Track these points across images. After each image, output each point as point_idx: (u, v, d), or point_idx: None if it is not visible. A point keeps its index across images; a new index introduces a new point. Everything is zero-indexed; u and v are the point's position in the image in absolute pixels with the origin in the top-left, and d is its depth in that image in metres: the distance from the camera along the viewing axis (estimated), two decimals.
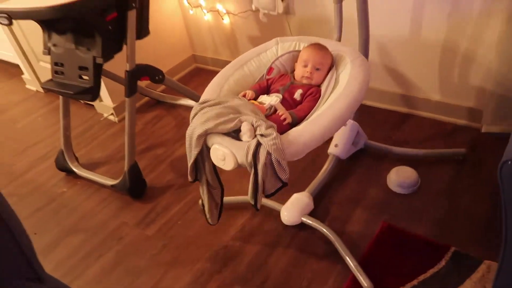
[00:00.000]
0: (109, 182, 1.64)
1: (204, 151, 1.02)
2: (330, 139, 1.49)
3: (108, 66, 1.53)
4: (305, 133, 0.95)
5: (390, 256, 1.19)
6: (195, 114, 1.03)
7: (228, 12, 2.04)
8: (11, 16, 1.22)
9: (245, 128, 0.93)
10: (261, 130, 0.92)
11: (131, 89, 1.55)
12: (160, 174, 1.71)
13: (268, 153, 0.90)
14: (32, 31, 2.14)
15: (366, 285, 1.11)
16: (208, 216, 1.16)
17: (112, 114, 2.10)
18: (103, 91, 2.01)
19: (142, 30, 1.59)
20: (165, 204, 1.55)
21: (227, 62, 1.27)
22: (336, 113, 0.98)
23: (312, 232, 1.30)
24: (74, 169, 1.74)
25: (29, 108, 2.40)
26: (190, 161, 1.04)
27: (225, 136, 0.96)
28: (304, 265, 1.23)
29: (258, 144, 0.91)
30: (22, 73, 2.57)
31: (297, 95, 1.12)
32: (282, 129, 0.99)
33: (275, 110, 1.06)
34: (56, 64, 1.52)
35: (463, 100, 1.58)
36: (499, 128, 1.51)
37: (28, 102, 2.47)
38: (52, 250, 1.45)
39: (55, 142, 2.02)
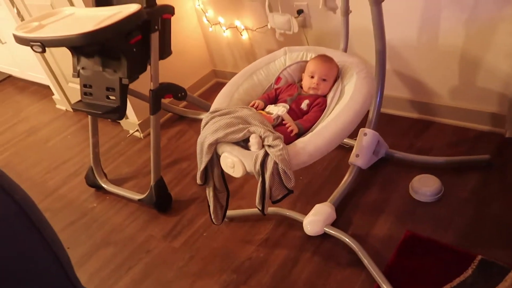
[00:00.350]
0: (136, 196, 1.70)
1: (214, 158, 1.08)
2: (351, 149, 1.50)
3: (133, 85, 1.60)
4: (310, 144, 1.00)
5: (415, 265, 1.19)
6: (206, 123, 1.08)
7: (246, 28, 2.10)
8: (44, 45, 1.31)
9: (253, 140, 0.98)
10: (269, 141, 0.97)
11: (155, 107, 1.62)
12: (184, 187, 1.76)
13: (275, 163, 0.95)
14: (61, 54, 2.26)
15: None
16: (212, 216, 1.22)
17: (137, 130, 2.18)
18: (129, 109, 2.10)
19: (165, 51, 1.66)
20: (190, 217, 1.60)
21: None
22: (339, 126, 1.03)
23: (336, 242, 1.31)
24: (103, 185, 1.82)
25: (59, 127, 2.52)
26: (200, 167, 1.10)
27: (235, 145, 1.02)
28: (328, 276, 1.24)
29: (266, 154, 0.96)
30: (53, 94, 2.71)
31: (304, 105, 1.17)
32: (289, 139, 1.04)
33: (282, 120, 1.11)
34: (85, 86, 1.60)
35: (485, 105, 1.57)
36: None
37: (58, 121, 2.59)
38: (85, 263, 1.52)
39: (84, 159, 2.12)
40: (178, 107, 2.26)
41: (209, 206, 1.21)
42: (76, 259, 1.53)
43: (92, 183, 1.86)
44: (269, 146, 0.97)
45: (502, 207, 1.29)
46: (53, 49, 2.30)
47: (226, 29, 2.18)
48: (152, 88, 1.61)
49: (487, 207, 1.31)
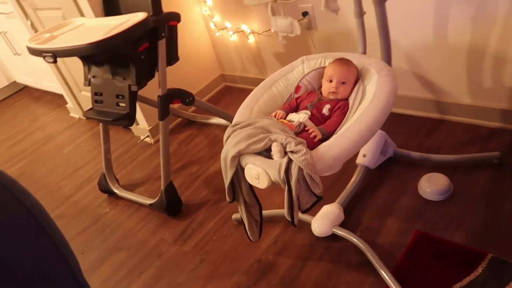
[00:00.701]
0: (147, 201, 1.73)
1: (239, 172, 1.05)
2: None
3: (143, 92, 1.63)
4: (334, 147, 0.96)
5: (424, 265, 1.18)
6: (228, 137, 1.07)
7: (252, 32, 2.12)
8: (55, 55, 1.35)
9: (275, 149, 0.95)
10: (291, 147, 0.94)
11: (163, 113, 1.64)
12: (195, 191, 1.78)
13: (300, 169, 0.92)
14: (73, 64, 2.31)
15: None
16: (249, 233, 1.19)
17: (148, 136, 2.21)
18: (139, 115, 2.14)
19: (172, 57, 1.69)
20: (201, 220, 1.61)
21: (255, 79, 1.31)
22: (363, 126, 0.99)
23: (344, 243, 1.31)
24: (116, 191, 1.86)
25: (73, 134, 2.59)
26: (226, 183, 1.07)
27: (258, 155, 0.99)
28: (337, 277, 1.24)
29: (289, 161, 0.93)
30: (66, 103, 2.78)
31: (326, 110, 1.14)
32: (314, 145, 1.00)
33: (305, 127, 1.08)
34: (96, 93, 1.64)
35: (495, 102, 1.54)
36: None
37: (72, 129, 2.65)
38: (99, 267, 1.55)
39: (97, 165, 2.16)
40: (187, 112, 2.29)
41: (244, 224, 1.18)
42: (90, 264, 1.57)
43: (105, 189, 1.90)
44: (291, 152, 0.93)
45: None
46: (66, 59, 2.36)
47: (233, 33, 2.20)
48: (160, 94, 1.64)
49: (498, 205, 1.29)
